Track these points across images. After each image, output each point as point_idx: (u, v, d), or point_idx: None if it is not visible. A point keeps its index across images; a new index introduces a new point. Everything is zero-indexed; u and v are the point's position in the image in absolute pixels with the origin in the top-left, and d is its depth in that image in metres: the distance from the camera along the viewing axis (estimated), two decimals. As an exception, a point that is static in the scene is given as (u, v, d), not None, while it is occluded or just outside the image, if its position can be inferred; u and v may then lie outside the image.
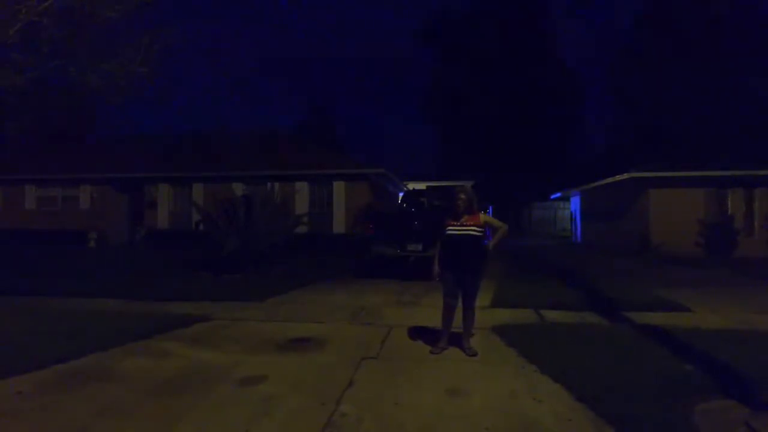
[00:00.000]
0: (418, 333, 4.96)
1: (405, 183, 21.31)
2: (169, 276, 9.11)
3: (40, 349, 4.21)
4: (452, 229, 4.25)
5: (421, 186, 23.70)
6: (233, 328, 5.26)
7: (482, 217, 4.34)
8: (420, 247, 8.54)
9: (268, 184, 11.20)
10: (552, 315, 5.85)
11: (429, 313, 5.70)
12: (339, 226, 15.89)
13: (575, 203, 23.16)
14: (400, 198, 19.10)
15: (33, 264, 11.18)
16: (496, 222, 4.49)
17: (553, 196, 25.26)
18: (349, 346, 4.56)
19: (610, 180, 15.58)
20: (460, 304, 4.32)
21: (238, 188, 15.31)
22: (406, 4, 75.28)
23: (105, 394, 3.35)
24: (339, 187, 15.89)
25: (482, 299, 6.33)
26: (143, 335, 4.79)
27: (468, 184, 23.53)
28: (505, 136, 31.87)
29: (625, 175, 14.30)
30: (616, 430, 2.73)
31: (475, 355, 4.18)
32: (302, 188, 15.27)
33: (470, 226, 4.22)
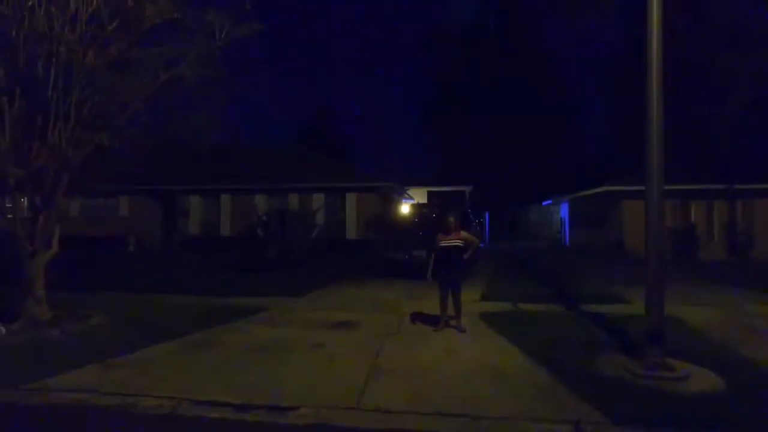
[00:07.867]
0: (424, 318, 6.84)
1: (407, 189, 23.01)
2: (216, 276, 10.99)
3: (162, 329, 6.06)
4: (444, 243, 6.23)
5: (422, 191, 25.45)
6: (289, 315, 7.16)
7: (463, 234, 6.35)
8: (423, 253, 10.37)
9: (292, 197, 12.99)
10: (525, 306, 7.73)
11: (431, 304, 7.52)
12: (351, 232, 17.80)
13: (564, 209, 25.07)
14: (405, 206, 20.99)
15: (92, 266, 13.04)
16: (471, 237, 6.48)
17: (544, 203, 27.08)
18: (376, 326, 6.45)
19: (589, 192, 17.47)
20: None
21: (262, 200, 17.30)
22: (407, 16, 77.23)
23: (222, 352, 5.25)
24: (351, 198, 17.81)
25: (473, 295, 8.28)
26: (224, 321, 6.63)
27: (467, 189, 25.43)
28: (503, 142, 33.75)
29: (601, 188, 16.22)
30: (544, 368, 4.63)
31: (464, 331, 6.08)
32: (319, 199, 17.16)
33: (456, 239, 6.17)
